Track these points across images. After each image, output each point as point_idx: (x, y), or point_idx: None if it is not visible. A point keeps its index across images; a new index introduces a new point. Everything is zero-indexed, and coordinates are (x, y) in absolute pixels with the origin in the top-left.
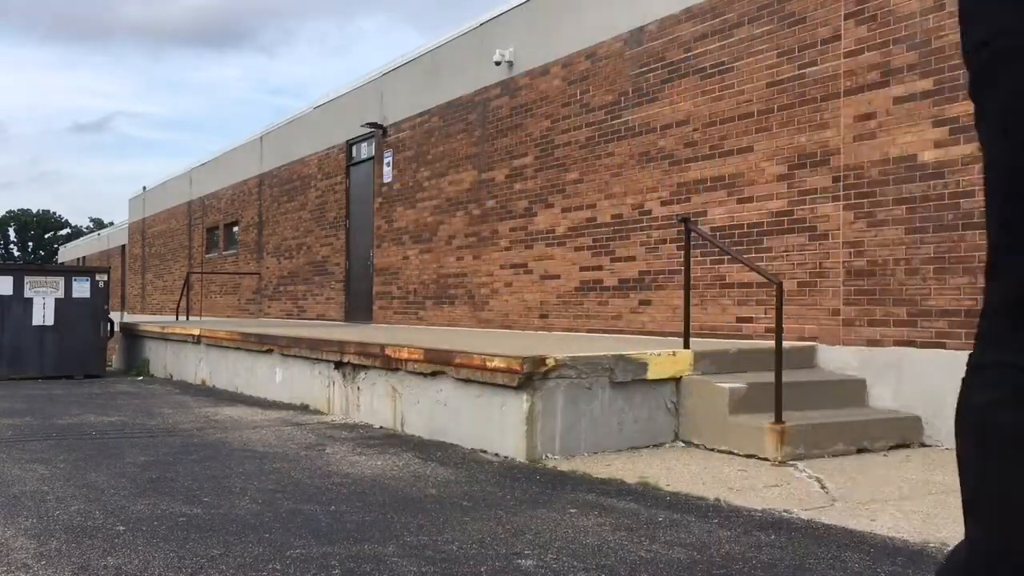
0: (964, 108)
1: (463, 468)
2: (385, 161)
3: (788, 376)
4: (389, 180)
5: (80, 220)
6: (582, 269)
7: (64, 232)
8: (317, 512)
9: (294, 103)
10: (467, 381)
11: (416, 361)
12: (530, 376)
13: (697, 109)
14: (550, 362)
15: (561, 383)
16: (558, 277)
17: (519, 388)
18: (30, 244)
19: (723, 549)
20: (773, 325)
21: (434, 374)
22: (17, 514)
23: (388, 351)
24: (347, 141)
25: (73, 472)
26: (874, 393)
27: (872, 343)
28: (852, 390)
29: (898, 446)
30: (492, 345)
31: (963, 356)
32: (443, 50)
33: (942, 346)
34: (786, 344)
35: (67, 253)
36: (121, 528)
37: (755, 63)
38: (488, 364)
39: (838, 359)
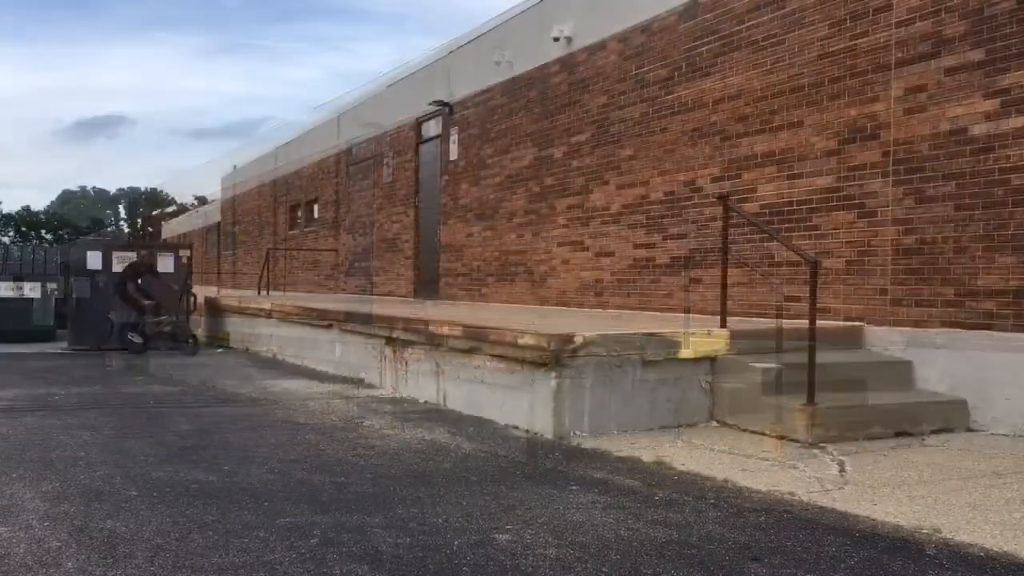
0: (1014, 80)
1: (488, 443)
2: (451, 139)
3: (830, 357)
4: (455, 158)
5: (186, 198)
6: (635, 247)
7: (171, 209)
8: (325, 483)
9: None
10: (501, 357)
11: (455, 337)
12: (558, 354)
13: (748, 83)
14: (578, 340)
15: (590, 361)
16: (612, 255)
17: (548, 365)
18: (139, 220)
19: (705, 529)
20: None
21: (472, 350)
22: (44, 477)
23: (432, 327)
24: (416, 119)
25: (114, 439)
26: (920, 375)
27: (919, 324)
28: (897, 371)
29: (942, 430)
30: (535, 322)
31: (1011, 338)
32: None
33: (990, 327)
34: (831, 323)
35: (169, 229)
36: (134, 493)
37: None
38: (519, 341)
39: (885, 339)
